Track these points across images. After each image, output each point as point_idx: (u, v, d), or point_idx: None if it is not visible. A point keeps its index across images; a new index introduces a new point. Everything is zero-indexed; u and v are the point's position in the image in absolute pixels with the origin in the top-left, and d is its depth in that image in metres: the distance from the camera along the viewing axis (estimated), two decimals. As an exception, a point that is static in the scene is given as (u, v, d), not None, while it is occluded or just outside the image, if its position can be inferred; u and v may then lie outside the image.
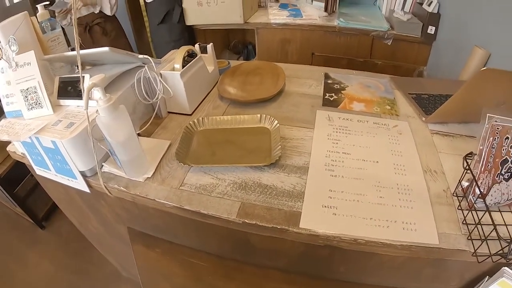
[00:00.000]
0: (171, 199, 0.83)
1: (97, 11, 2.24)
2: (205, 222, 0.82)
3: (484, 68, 0.86)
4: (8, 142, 1.04)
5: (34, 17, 1.00)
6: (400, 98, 1.20)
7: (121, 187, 0.88)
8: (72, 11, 0.76)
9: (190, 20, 2.26)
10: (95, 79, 0.74)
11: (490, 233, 0.66)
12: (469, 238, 0.71)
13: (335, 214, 0.77)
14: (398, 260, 0.82)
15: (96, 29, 2.34)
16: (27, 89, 0.88)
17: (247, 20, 2.27)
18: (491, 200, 0.75)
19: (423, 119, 1.08)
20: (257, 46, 2.38)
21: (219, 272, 1.00)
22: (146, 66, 1.00)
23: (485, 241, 0.68)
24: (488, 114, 0.71)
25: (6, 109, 0.94)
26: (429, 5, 1.94)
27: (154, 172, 0.91)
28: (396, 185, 0.84)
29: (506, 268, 0.69)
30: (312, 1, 2.40)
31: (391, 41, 2.08)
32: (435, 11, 1.91)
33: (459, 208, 0.78)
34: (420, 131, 1.03)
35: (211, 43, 1.24)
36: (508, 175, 0.74)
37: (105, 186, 0.89)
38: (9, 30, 0.89)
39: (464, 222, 0.74)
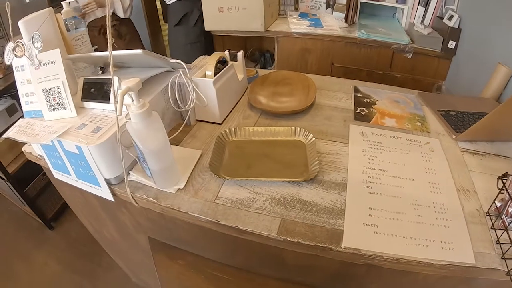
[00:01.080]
0: (206, 213, 0.81)
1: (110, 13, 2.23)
2: (241, 237, 0.80)
3: None
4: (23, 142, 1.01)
5: (59, 14, 0.98)
6: (429, 114, 1.19)
7: (150, 197, 0.85)
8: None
9: (210, 26, 2.25)
10: (129, 82, 0.71)
11: None
12: (503, 257, 0.71)
13: (376, 233, 0.76)
14: (432, 278, 0.81)
15: (111, 32, 2.34)
16: (49, 89, 0.85)
17: (268, 28, 2.26)
18: None
19: (454, 136, 1.07)
20: (277, 54, 2.37)
21: (245, 286, 0.97)
22: (181, 71, 0.98)
23: None
24: None
25: (25, 108, 0.91)
26: (449, 19, 1.92)
27: (186, 183, 0.89)
28: (432, 204, 0.84)
29: None
30: (332, 12, 2.40)
31: (411, 54, 2.06)
32: (456, 26, 1.90)
33: (492, 227, 0.77)
34: (450, 149, 1.02)
35: (241, 51, 1.22)
36: None
37: (132, 196, 0.86)
38: (33, 26, 0.86)
39: (498, 241, 0.74)
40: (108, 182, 0.88)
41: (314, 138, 0.98)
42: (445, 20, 1.96)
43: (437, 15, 2.09)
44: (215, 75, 1.05)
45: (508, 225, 0.74)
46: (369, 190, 0.86)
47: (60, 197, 1.36)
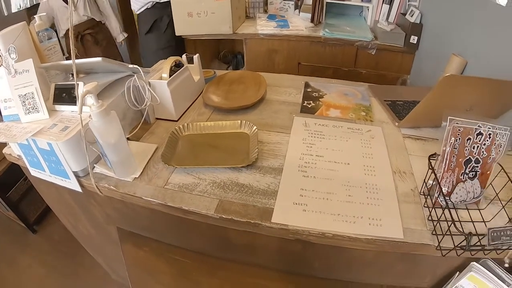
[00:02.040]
0: (156, 197, 0.90)
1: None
2: (187, 218, 0.88)
3: (448, 74, 0.93)
4: (3, 146, 1.10)
5: (33, 26, 1.07)
6: (376, 105, 1.27)
7: (111, 186, 0.95)
8: (69, 24, 0.84)
9: (180, 31, 2.32)
10: (88, 86, 0.81)
11: (449, 227, 0.72)
12: (434, 233, 0.76)
13: (305, 211, 0.84)
14: (368, 255, 0.89)
15: (87, 38, 2.44)
16: (25, 95, 0.95)
17: (236, 30, 2.33)
18: (456, 198, 0.81)
19: (396, 124, 1.15)
20: (245, 56, 2.45)
21: (202, 268, 1.06)
22: (135, 75, 1.07)
23: (450, 236, 0.72)
24: (449, 117, 0.76)
25: (4, 113, 1.01)
26: (411, 16, 2.02)
27: (141, 173, 0.98)
28: (365, 185, 0.91)
29: (474, 263, 0.74)
30: (299, 12, 2.48)
31: (375, 50, 2.15)
32: (418, 21, 2.00)
33: (425, 205, 0.84)
34: (393, 135, 1.10)
35: (197, 54, 1.31)
36: (472, 174, 0.80)
37: (96, 186, 0.96)
38: (9, 38, 0.96)
39: (430, 218, 0.80)
40: (76, 175, 0.98)
41: (256, 130, 1.07)
42: (407, 16, 2.07)
43: (401, 12, 2.19)
44: (170, 77, 1.14)
45: (438, 202, 0.80)
46: (303, 174, 0.94)
47: (42, 201, 1.44)
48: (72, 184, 1.00)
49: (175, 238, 1.12)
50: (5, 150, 1.14)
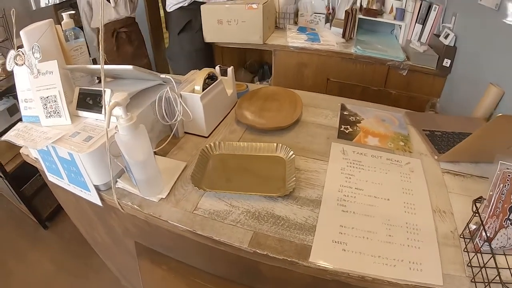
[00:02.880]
0: (184, 223, 0.85)
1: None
2: (216, 248, 0.83)
3: (501, 114, 0.88)
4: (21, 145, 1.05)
5: (59, 25, 1.03)
6: (414, 134, 1.21)
7: (134, 205, 0.90)
8: (100, 26, 0.79)
9: (209, 37, 2.29)
10: (117, 97, 0.76)
11: (494, 277, 0.67)
12: (473, 281, 0.72)
13: (345, 250, 0.79)
14: None
15: (122, 36, 2.47)
16: (47, 97, 0.90)
17: (266, 41, 2.30)
18: (496, 244, 0.76)
19: (436, 157, 1.08)
20: (274, 67, 2.40)
21: (224, 294, 1.01)
22: (168, 86, 1.02)
23: (488, 285, 0.68)
24: (500, 161, 0.72)
25: (23, 113, 0.97)
26: (445, 38, 1.95)
27: (168, 193, 0.93)
28: (405, 224, 0.85)
29: None
30: (330, 27, 2.43)
31: (406, 71, 2.09)
32: (452, 44, 1.93)
33: (465, 250, 0.78)
34: (432, 169, 1.04)
35: (231, 67, 1.26)
36: None
37: (118, 202, 0.91)
38: (34, 36, 0.91)
39: (469, 264, 0.75)
40: (97, 188, 0.93)
41: (294, 155, 1.01)
42: (441, 38, 1.99)
43: (434, 32, 2.12)
44: (203, 90, 1.09)
45: (480, 247, 0.75)
46: (343, 208, 0.89)
47: (55, 198, 1.41)
48: (92, 197, 0.95)
49: (198, 262, 1.06)
50: (22, 150, 1.11)
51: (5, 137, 0.92)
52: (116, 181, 0.95)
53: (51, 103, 0.91)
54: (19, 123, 0.96)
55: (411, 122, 1.27)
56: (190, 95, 1.08)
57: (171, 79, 1.06)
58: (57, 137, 0.87)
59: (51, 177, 1.03)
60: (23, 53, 0.89)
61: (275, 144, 1.06)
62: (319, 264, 0.75)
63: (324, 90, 2.28)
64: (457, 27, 1.93)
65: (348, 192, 0.94)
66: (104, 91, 0.83)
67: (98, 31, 2.43)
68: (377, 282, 0.74)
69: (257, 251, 0.78)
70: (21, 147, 1.10)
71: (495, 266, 0.66)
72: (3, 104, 2.13)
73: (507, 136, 0.93)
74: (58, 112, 0.91)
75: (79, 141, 0.86)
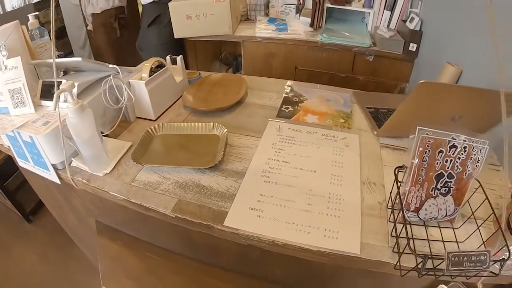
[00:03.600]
0: (121, 193, 0.93)
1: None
2: (148, 215, 0.91)
3: (422, 81, 0.90)
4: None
5: (25, 26, 1.13)
6: (358, 112, 1.25)
7: (84, 180, 0.99)
8: (51, 24, 0.89)
9: (179, 33, 2.33)
10: (65, 85, 0.86)
11: (405, 247, 0.66)
12: (395, 251, 0.72)
13: (259, 217, 0.83)
14: (327, 268, 0.89)
15: (121, 22, 2.66)
16: (13, 90, 1.00)
17: (235, 32, 2.35)
18: (426, 215, 0.76)
19: (375, 132, 1.12)
20: (243, 59, 2.45)
21: (169, 266, 1.09)
22: (111, 75, 1.11)
23: (414, 256, 0.65)
24: (418, 127, 0.71)
25: None
26: (411, 22, 1.99)
27: (112, 169, 1.02)
28: (328, 194, 0.89)
29: (443, 285, 0.68)
30: (300, 17, 2.47)
31: (372, 57, 2.12)
32: (417, 29, 1.96)
33: (391, 220, 0.79)
34: (369, 144, 1.08)
35: (180, 56, 1.34)
36: (445, 190, 0.75)
37: (72, 179, 1.00)
38: (1, 37, 1.02)
39: (393, 234, 0.74)
40: (55, 167, 1.02)
41: (226, 132, 1.08)
42: (407, 23, 2.03)
43: (403, 18, 2.15)
44: (149, 77, 1.17)
45: (402, 217, 0.72)
46: (266, 179, 0.94)
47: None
48: (52, 176, 1.04)
49: (145, 234, 1.15)
50: None
51: None
52: (71, 161, 1.04)
53: (17, 94, 1.00)
54: None
55: (356, 101, 1.31)
56: (137, 82, 1.17)
57: (118, 68, 1.14)
58: (21, 123, 0.97)
59: (20, 162, 1.13)
60: None
61: (211, 123, 1.13)
62: (232, 228, 0.81)
63: (293, 78, 2.30)
64: (423, 11, 1.98)
65: (274, 165, 0.99)
66: (57, 81, 0.92)
67: (93, 16, 2.60)
68: (288, 248, 0.77)
69: (178, 215, 0.85)
70: None
71: (423, 237, 0.68)
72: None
73: (444, 105, 0.93)
74: (23, 103, 1.01)
75: (38, 126, 0.96)
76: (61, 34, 2.86)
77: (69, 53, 2.94)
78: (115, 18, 2.58)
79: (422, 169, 0.73)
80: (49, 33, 1.19)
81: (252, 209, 0.86)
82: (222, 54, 2.97)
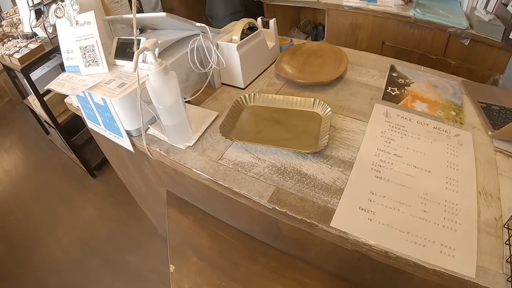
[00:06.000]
0: (207, 171, 0.83)
1: None
2: (237, 200, 0.81)
3: None
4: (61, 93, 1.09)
5: None
6: (468, 105, 1.08)
7: (162, 151, 0.90)
8: None
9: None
10: (147, 43, 0.75)
11: None
12: (510, 280, 0.62)
13: (371, 220, 0.72)
14: (430, 284, 0.74)
15: None
16: (85, 47, 0.93)
17: (320, -1, 2.18)
18: None
19: (489, 133, 0.96)
20: (327, 28, 2.28)
21: (245, 251, 1.00)
22: (201, 35, 0.99)
23: None
24: None
25: (66, 63, 1.00)
26: None
27: (196, 142, 0.92)
28: (444, 201, 0.76)
29: None
30: (390, -13, 2.25)
31: (468, 41, 1.88)
32: None
33: (507, 243, 0.68)
34: (483, 146, 0.91)
35: (274, 18, 1.20)
36: None
37: (148, 148, 0.92)
38: None
39: (509, 260, 0.65)
40: (129, 134, 0.95)
41: (331, 112, 0.94)
42: (509, 8, 1.75)
43: (502, 1, 1.87)
44: (241, 40, 1.05)
45: None
46: (376, 174, 0.81)
47: (102, 150, 1.48)
48: (125, 143, 0.98)
49: (222, 214, 1.06)
50: (66, 100, 1.16)
51: (48, 86, 0.96)
52: (148, 128, 0.96)
53: (89, 52, 0.93)
54: (62, 73, 1.00)
55: (467, 92, 1.13)
56: (227, 45, 1.04)
57: (206, 27, 1.03)
58: (93, 84, 0.89)
59: (90, 124, 1.07)
60: (62, 6, 0.92)
61: (312, 99, 0.99)
62: (340, 230, 0.70)
63: (380, 54, 2.14)
64: None
65: (385, 158, 0.86)
66: (137, 39, 0.82)
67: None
68: (401, 261, 0.67)
69: (276, 207, 0.74)
70: (65, 98, 1.16)
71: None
72: (56, 60, 2.23)
73: None
74: (96, 61, 0.94)
75: (113, 87, 0.88)
76: (132, -5, 2.80)
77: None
78: None
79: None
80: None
81: (362, 209, 0.73)
82: (301, 22, 2.81)
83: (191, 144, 0.91)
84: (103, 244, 2.00)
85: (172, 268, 0.99)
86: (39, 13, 1.96)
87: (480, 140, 0.93)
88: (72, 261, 1.94)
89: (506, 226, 0.70)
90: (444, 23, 1.91)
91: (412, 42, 2.07)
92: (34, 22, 1.97)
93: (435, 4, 2.09)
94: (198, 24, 1.03)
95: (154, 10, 2.89)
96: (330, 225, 0.70)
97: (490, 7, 1.92)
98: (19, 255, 2.03)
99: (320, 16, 2.77)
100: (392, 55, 2.08)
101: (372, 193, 0.77)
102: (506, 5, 1.80)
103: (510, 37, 1.74)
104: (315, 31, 2.80)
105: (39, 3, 1.92)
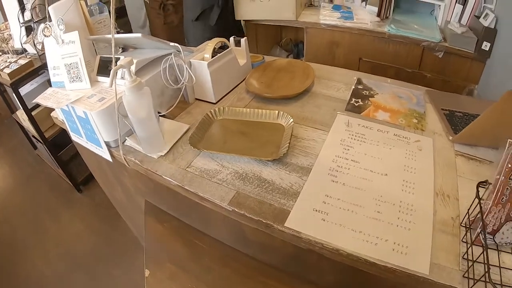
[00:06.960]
0: (176, 178, 0.88)
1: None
2: (202, 204, 0.86)
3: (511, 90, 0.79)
4: (53, 109, 1.16)
5: (84, 0, 1.11)
6: (432, 112, 1.13)
7: (137, 160, 0.96)
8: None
9: (241, 15, 2.27)
10: (123, 61, 0.82)
11: (484, 275, 0.58)
12: (465, 276, 0.64)
13: (324, 220, 0.76)
14: (388, 283, 0.78)
15: (169, 7, 2.62)
16: (70, 64, 0.99)
17: (298, 18, 2.25)
18: (502, 238, 0.68)
19: (450, 138, 1.00)
20: (305, 46, 2.35)
21: (216, 255, 1.03)
22: (172, 53, 1.06)
23: (484, 284, 0.60)
24: (510, 140, 0.62)
25: (52, 79, 1.07)
26: (485, 19, 1.79)
27: (168, 152, 0.98)
28: (399, 202, 0.79)
29: None
30: (366, 5, 2.33)
31: (442, 53, 1.96)
32: (492, 26, 1.76)
33: (464, 240, 0.70)
34: (444, 150, 0.96)
35: (245, 37, 1.26)
36: None
37: (124, 158, 0.97)
38: (60, 11, 1.00)
39: (465, 257, 0.67)
40: (108, 145, 1.01)
41: (292, 122, 1.00)
42: (481, 20, 1.83)
43: (475, 14, 1.95)
44: (212, 58, 1.11)
45: (475, 239, 0.67)
46: (333, 178, 0.86)
47: (89, 164, 1.53)
48: (104, 153, 1.03)
49: (194, 221, 1.10)
50: (53, 114, 1.22)
51: (35, 100, 1.03)
52: (125, 139, 1.02)
53: (73, 69, 0.99)
54: (48, 88, 1.06)
55: (430, 100, 1.19)
56: (199, 62, 1.11)
57: (179, 46, 1.10)
58: (76, 98, 0.96)
59: (73, 136, 1.13)
60: (50, 26, 1.00)
61: (276, 111, 1.05)
62: (294, 230, 0.74)
63: (357, 70, 2.20)
64: (498, 7, 1.76)
65: (342, 163, 0.91)
66: (115, 57, 0.89)
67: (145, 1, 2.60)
68: (352, 258, 0.70)
69: (235, 209, 0.79)
70: (51, 112, 1.22)
71: (483, 262, 0.59)
72: (44, 76, 2.26)
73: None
74: (79, 77, 1.00)
75: (93, 101, 0.95)
76: (121, 14, 2.86)
77: (129, 32, 2.93)
78: (160, 4, 2.55)
79: (507, 188, 0.64)
80: (109, 11, 1.17)
81: (316, 210, 0.78)
82: (283, 40, 2.89)
83: (163, 154, 0.96)
84: (88, 258, 2.02)
85: (147, 273, 1.03)
86: (29, 30, 2.02)
87: (441, 144, 0.98)
88: (57, 275, 1.96)
89: (464, 225, 0.73)
90: (418, 37, 1.98)
91: (388, 57, 2.14)
92: (25, 38, 2.02)
93: (410, 20, 2.18)
94: (171, 43, 1.10)
95: (142, 28, 2.97)
96: (285, 225, 0.75)
97: (464, 20, 2.00)
98: (4, 268, 2.04)
99: (301, 34, 2.82)
100: (368, 70, 2.13)
101: (327, 196, 0.81)
102: (478, 17, 1.87)
103: (482, 48, 1.80)
104: (297, 49, 2.87)
105: (29, 20, 1.97)
